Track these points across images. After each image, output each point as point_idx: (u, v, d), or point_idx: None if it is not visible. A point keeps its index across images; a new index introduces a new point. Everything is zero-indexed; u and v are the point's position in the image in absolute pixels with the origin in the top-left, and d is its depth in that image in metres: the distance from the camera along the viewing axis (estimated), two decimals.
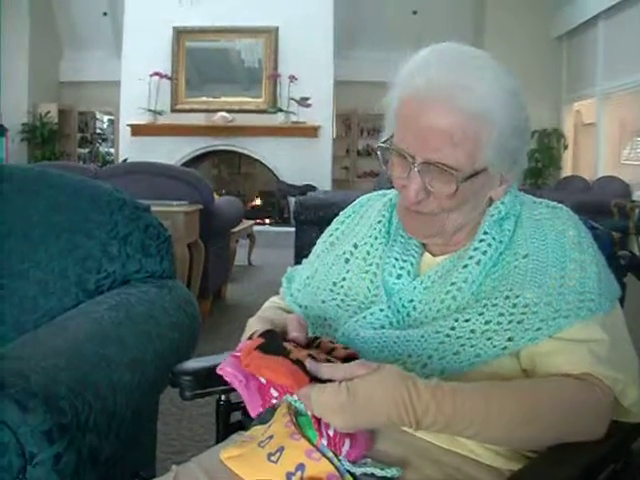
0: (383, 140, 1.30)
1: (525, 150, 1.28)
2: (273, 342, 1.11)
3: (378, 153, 1.32)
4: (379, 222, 1.42)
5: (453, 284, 1.26)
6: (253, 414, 1.13)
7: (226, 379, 1.16)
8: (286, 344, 1.12)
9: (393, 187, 1.33)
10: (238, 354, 1.15)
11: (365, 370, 1.06)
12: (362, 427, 1.10)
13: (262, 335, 1.12)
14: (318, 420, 1.11)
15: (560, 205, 1.34)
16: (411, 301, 1.29)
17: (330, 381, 1.06)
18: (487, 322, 1.19)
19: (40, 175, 1.98)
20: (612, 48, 11.03)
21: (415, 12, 13.14)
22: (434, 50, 1.25)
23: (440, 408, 1.06)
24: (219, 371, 1.17)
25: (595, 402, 1.16)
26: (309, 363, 1.07)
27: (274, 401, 1.12)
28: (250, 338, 1.18)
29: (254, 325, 1.30)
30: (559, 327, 1.18)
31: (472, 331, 1.19)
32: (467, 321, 1.20)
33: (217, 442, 1.46)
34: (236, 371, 1.13)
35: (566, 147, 12.91)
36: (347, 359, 1.10)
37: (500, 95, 1.20)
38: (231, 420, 1.55)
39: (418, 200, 1.24)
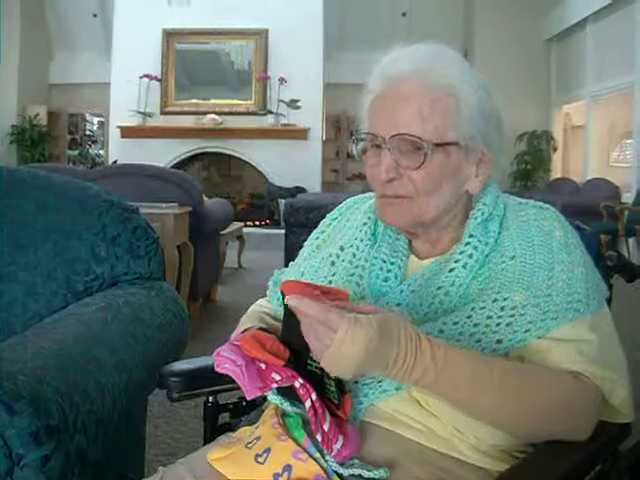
0: (357, 134, 1.33)
1: (496, 137, 1.29)
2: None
3: (353, 147, 1.34)
4: (364, 224, 1.43)
5: (440, 288, 1.26)
6: (249, 396, 1.12)
7: (218, 369, 1.16)
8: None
9: None
10: (236, 342, 1.16)
11: (372, 309, 1.06)
12: (370, 366, 1.06)
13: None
14: (315, 414, 1.10)
15: (547, 205, 1.34)
16: (398, 304, 1.29)
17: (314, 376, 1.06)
18: (475, 324, 1.19)
19: (28, 177, 1.97)
20: (601, 50, 11.07)
21: (404, 14, 13.17)
22: (403, 47, 1.29)
23: (434, 358, 1.06)
24: (215, 356, 1.17)
25: (584, 396, 1.16)
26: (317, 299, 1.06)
27: (274, 385, 1.12)
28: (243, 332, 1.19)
29: (247, 322, 1.33)
30: (547, 328, 1.18)
31: (460, 334, 1.19)
32: (455, 324, 1.20)
33: (205, 444, 1.46)
34: (234, 355, 1.14)
35: (555, 149, 12.93)
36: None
37: (468, 76, 1.25)
38: (219, 422, 1.55)
39: (389, 178, 1.25)
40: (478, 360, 1.12)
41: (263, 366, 1.13)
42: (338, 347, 1.00)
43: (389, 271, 1.33)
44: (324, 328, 1.01)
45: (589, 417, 1.18)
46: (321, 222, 1.56)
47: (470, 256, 1.26)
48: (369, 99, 1.30)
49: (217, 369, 1.17)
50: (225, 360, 1.16)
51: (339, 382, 1.11)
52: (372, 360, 1.03)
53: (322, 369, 1.08)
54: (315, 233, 1.54)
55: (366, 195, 1.52)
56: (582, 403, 1.17)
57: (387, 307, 1.12)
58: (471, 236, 1.28)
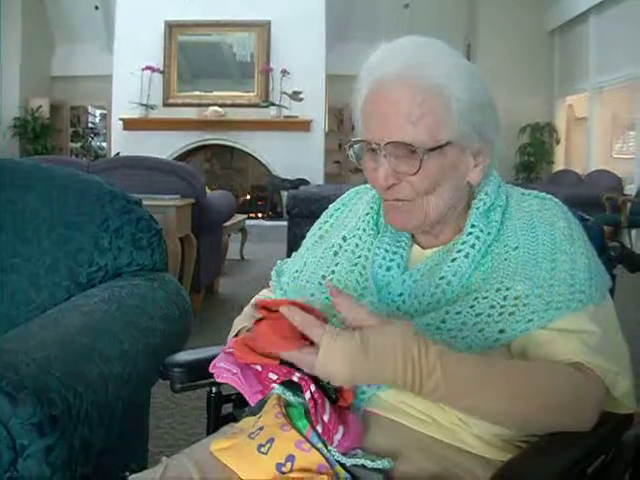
0: (352, 140, 1.33)
1: (491, 126, 1.28)
2: None
3: (350, 152, 1.35)
4: (367, 214, 1.43)
5: (442, 278, 1.26)
6: (252, 401, 1.13)
7: (218, 380, 1.17)
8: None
9: None
10: (229, 350, 1.16)
11: (375, 320, 1.06)
12: (364, 381, 1.08)
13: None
14: (315, 404, 1.10)
15: (549, 196, 1.34)
16: (400, 294, 1.29)
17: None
18: (478, 314, 1.19)
19: (31, 169, 1.97)
20: (604, 42, 11.03)
21: (407, 5, 13.12)
22: (389, 44, 1.28)
23: (445, 373, 1.05)
24: (212, 369, 1.18)
25: (587, 389, 1.16)
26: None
27: (273, 385, 1.12)
28: (236, 336, 1.19)
29: (240, 323, 1.33)
30: (550, 319, 1.18)
31: (463, 323, 1.19)
32: (458, 314, 1.20)
33: (208, 434, 1.46)
34: (229, 365, 1.14)
35: (558, 141, 12.92)
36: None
37: (456, 71, 1.23)
38: (222, 412, 1.55)
39: (389, 185, 1.25)
40: (484, 366, 1.12)
41: (259, 368, 1.13)
42: (323, 364, 1.03)
43: (392, 261, 1.33)
44: (305, 351, 1.05)
45: (592, 409, 1.18)
46: (324, 212, 1.56)
47: (472, 246, 1.26)
48: (360, 99, 1.30)
49: (217, 380, 1.19)
50: (222, 370, 1.16)
51: None
52: (361, 375, 1.05)
53: None
54: (318, 223, 1.54)
55: (368, 185, 1.51)
56: (586, 395, 1.17)
57: (393, 313, 1.13)
58: (473, 226, 1.28)
